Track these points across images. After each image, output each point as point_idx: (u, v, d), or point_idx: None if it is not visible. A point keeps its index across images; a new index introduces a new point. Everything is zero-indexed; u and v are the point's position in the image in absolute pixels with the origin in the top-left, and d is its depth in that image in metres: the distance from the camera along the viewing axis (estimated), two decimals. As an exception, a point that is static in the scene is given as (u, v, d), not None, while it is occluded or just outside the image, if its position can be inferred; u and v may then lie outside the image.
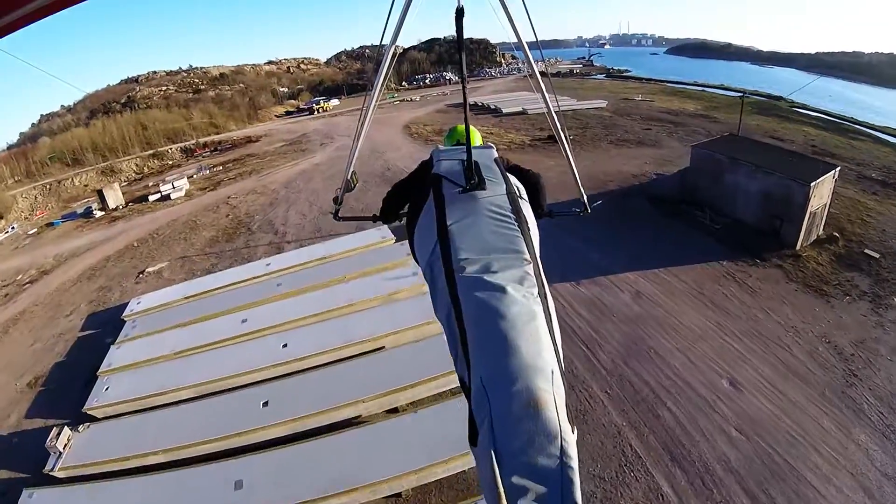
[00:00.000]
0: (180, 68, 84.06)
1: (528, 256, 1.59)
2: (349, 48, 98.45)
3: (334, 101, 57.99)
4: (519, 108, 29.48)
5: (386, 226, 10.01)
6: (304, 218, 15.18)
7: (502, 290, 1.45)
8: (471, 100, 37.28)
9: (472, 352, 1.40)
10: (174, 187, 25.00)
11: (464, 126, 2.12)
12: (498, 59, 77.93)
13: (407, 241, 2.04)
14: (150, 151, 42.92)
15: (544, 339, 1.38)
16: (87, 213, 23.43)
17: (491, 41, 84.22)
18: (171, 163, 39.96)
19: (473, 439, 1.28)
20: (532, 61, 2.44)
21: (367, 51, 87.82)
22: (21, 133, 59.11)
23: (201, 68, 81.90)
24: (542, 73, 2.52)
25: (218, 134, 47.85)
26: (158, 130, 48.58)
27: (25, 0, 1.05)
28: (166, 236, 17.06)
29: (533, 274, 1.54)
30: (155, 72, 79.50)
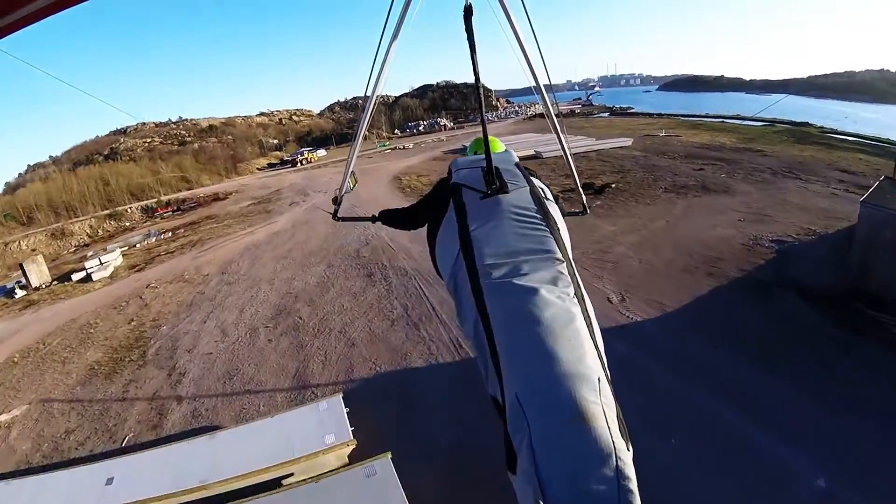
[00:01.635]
0: (169, 120, 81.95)
1: (559, 256, 1.49)
2: (343, 99, 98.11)
3: (321, 152, 54.64)
4: (531, 152, 24.64)
5: (348, 428, 4.83)
6: (222, 340, 9.41)
7: (534, 292, 1.32)
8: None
9: (504, 364, 1.25)
10: (101, 264, 19.77)
11: (480, 88, 1.91)
12: (494, 103, 76.31)
13: None
14: (107, 211, 37.75)
15: (586, 343, 1.24)
16: (10, 292, 18.48)
17: (487, 85, 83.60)
18: (127, 224, 34.78)
19: (512, 466, 1.14)
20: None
21: (359, 101, 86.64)
22: (6, 183, 55.47)
23: (191, 120, 79.74)
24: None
25: (190, 189, 43.12)
26: (122, 186, 43.65)
27: (26, 0, 1.04)
28: (51, 349, 11.45)
29: (567, 273, 1.44)
30: (144, 123, 77.19)
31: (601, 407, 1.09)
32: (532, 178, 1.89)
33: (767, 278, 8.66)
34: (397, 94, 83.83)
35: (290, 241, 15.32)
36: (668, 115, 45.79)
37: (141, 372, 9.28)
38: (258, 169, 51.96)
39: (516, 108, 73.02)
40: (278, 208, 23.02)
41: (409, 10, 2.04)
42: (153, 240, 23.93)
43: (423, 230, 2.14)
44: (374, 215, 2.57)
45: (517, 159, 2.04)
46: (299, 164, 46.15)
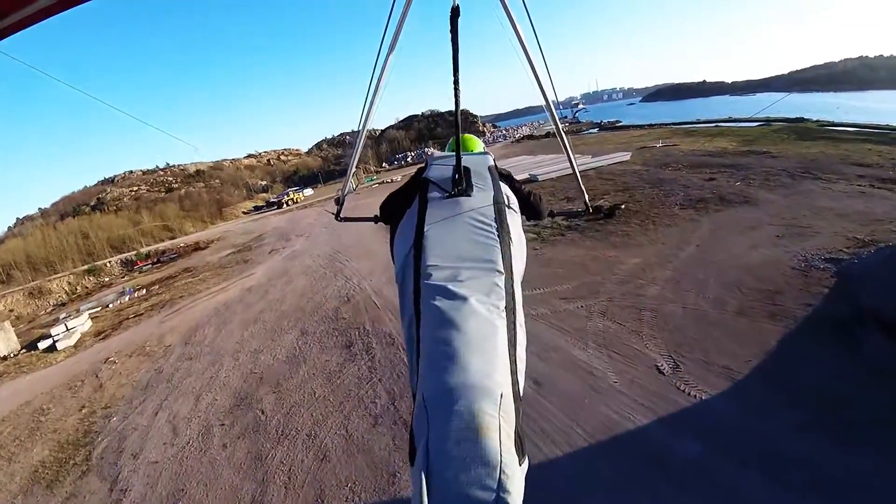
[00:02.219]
0: (157, 167, 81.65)
1: (500, 267, 1.51)
2: (330, 136, 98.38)
3: (308, 191, 53.63)
4: (525, 175, 23.14)
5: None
6: (172, 442, 7.34)
7: (464, 299, 1.36)
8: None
9: (421, 365, 1.30)
10: (67, 330, 18.10)
11: (465, 135, 2.12)
12: (480, 129, 76.65)
13: None
14: (85, 266, 36.03)
15: (500, 359, 1.26)
16: (-25, 363, 16.67)
17: (471, 111, 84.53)
18: (106, 279, 33.07)
19: (412, 458, 1.18)
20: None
21: (347, 137, 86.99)
22: (-7, 237, 54.62)
23: (178, 165, 79.36)
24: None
25: (172, 238, 41.49)
26: (102, 239, 41.97)
27: (27, 1, 1.06)
28: (0, 441, 9.65)
29: (503, 286, 1.45)
30: (131, 171, 76.55)
31: (498, 420, 1.10)
32: (501, 184, 1.91)
33: (840, 313, 6.90)
34: (383, 127, 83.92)
35: (263, 300, 13.47)
36: (659, 124, 44.91)
37: (82, 483, 7.34)
38: (244, 213, 50.52)
39: (503, 132, 73.04)
40: (257, 257, 21.27)
41: (406, 17, 2.09)
42: (127, 298, 22.25)
43: None
44: (375, 216, 2.49)
45: (493, 163, 2.05)
46: (285, 206, 44.78)
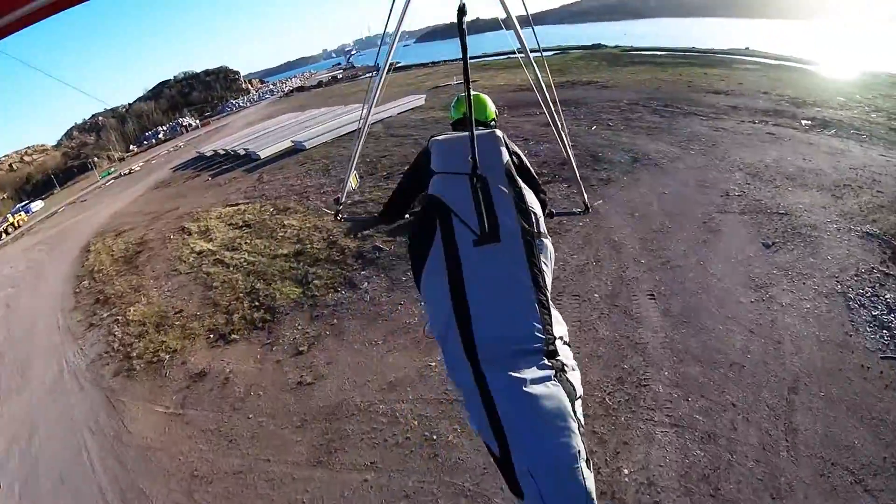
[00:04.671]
0: None
1: (544, 336, 1.58)
2: (80, 120, 75.58)
3: (37, 204, 36.81)
4: (287, 143, 16.86)
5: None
6: None
7: (531, 393, 1.46)
8: (208, 149, 21.90)
9: (511, 440, 1.44)
10: None
11: (470, 92, 1.77)
12: (244, 86, 64.78)
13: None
14: None
15: (573, 426, 1.44)
16: None
17: (230, 67, 71.07)
18: None
19: (516, 493, 1.43)
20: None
21: (99, 119, 66.15)
22: None
23: None
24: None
25: None
26: None
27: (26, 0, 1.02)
28: None
29: (548, 362, 1.55)
30: None
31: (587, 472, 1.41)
32: (525, 197, 1.78)
33: None
34: (130, 101, 66.34)
35: None
36: (443, 61, 39.89)
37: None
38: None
39: (271, 87, 63.40)
40: None
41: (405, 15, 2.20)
42: None
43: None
44: (375, 216, 2.41)
45: (506, 157, 1.84)
46: (4, 236, 28.47)
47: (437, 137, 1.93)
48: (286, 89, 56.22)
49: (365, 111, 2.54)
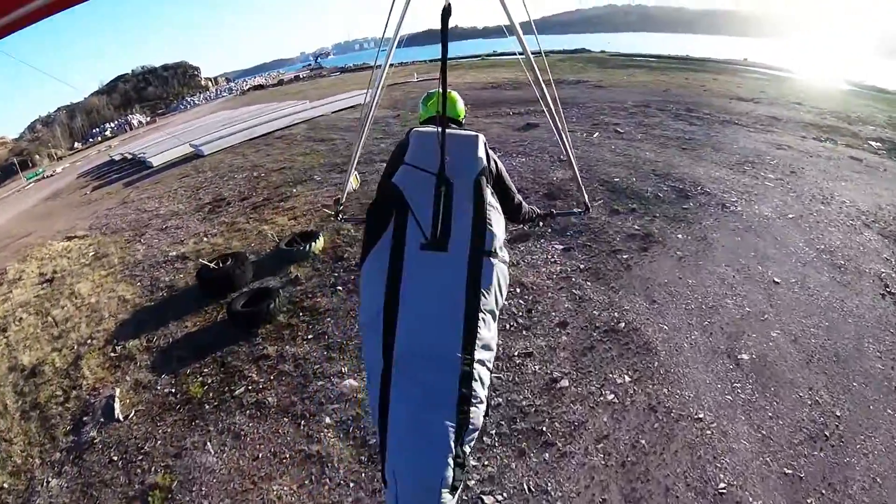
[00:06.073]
0: None
1: (461, 356, 1.43)
2: (45, 113, 70.38)
3: None
4: (186, 149, 12.95)
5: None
6: None
7: (422, 416, 1.39)
8: (117, 153, 18.18)
9: (389, 443, 1.40)
10: None
11: (446, 93, 1.58)
12: (202, 83, 61.25)
13: None
14: None
15: (448, 454, 1.36)
16: None
17: (191, 63, 67.42)
18: None
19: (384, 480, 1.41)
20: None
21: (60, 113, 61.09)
22: None
23: None
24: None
25: None
26: None
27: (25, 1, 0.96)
28: None
29: (458, 390, 1.41)
30: None
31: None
32: (487, 208, 1.59)
33: None
34: (86, 96, 61.83)
35: None
36: (412, 62, 37.22)
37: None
38: None
39: (231, 85, 60.48)
40: None
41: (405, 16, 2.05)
42: None
43: None
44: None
45: (482, 164, 1.67)
46: None
47: (418, 129, 1.79)
48: (245, 87, 53.96)
49: (366, 111, 2.48)
